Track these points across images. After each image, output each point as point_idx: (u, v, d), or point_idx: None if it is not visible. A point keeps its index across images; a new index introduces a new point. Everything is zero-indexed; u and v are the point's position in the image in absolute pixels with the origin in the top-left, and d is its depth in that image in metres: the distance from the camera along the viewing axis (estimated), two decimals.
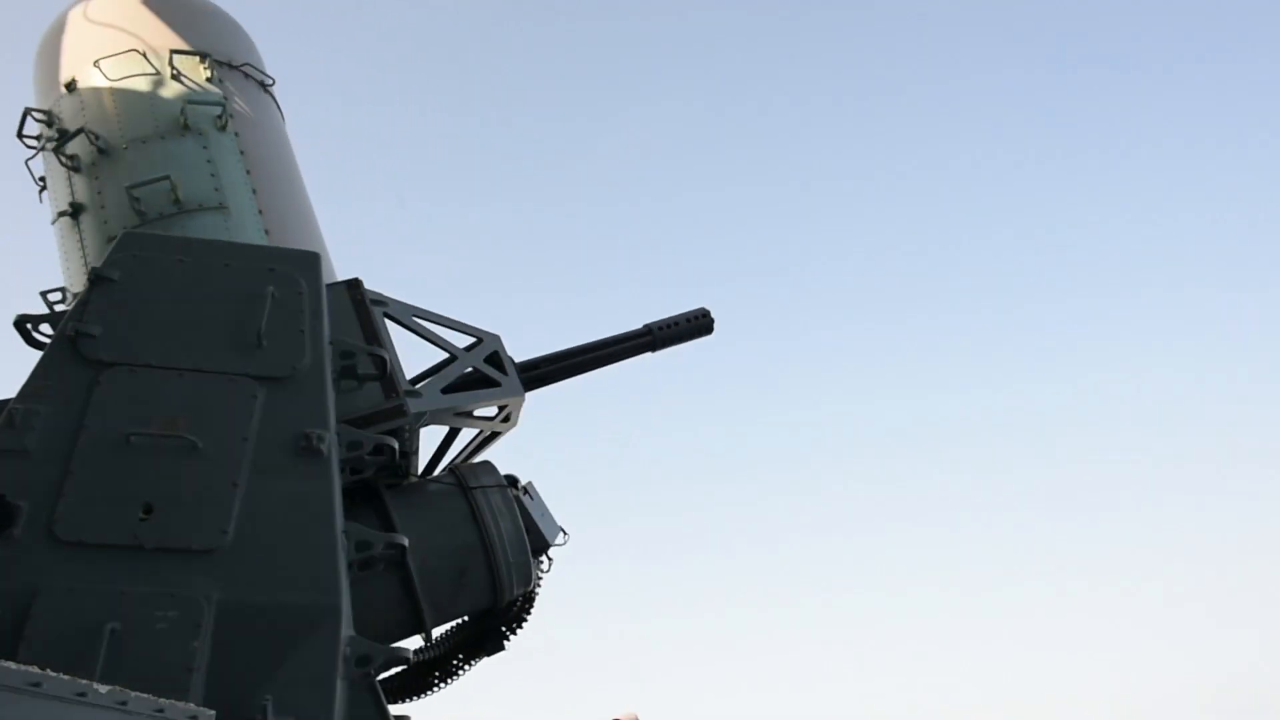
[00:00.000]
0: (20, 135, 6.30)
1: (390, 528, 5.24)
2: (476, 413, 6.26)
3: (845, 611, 26.49)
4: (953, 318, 31.99)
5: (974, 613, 26.06)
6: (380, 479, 5.52)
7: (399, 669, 5.33)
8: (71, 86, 6.22)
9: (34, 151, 6.38)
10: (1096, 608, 25.66)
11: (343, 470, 5.03)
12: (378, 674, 4.30)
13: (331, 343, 4.57)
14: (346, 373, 4.82)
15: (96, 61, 6.16)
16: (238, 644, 3.71)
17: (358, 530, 4.35)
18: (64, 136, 5.91)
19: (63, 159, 5.94)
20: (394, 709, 5.86)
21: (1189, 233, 32.72)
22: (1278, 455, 28.06)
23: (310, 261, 4.69)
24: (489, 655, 5.62)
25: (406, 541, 4.55)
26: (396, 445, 4.67)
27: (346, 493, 5.52)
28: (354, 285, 5.45)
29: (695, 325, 6.92)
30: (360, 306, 5.37)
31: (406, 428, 5.15)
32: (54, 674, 2.42)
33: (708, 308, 7.05)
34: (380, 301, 5.56)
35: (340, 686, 3.90)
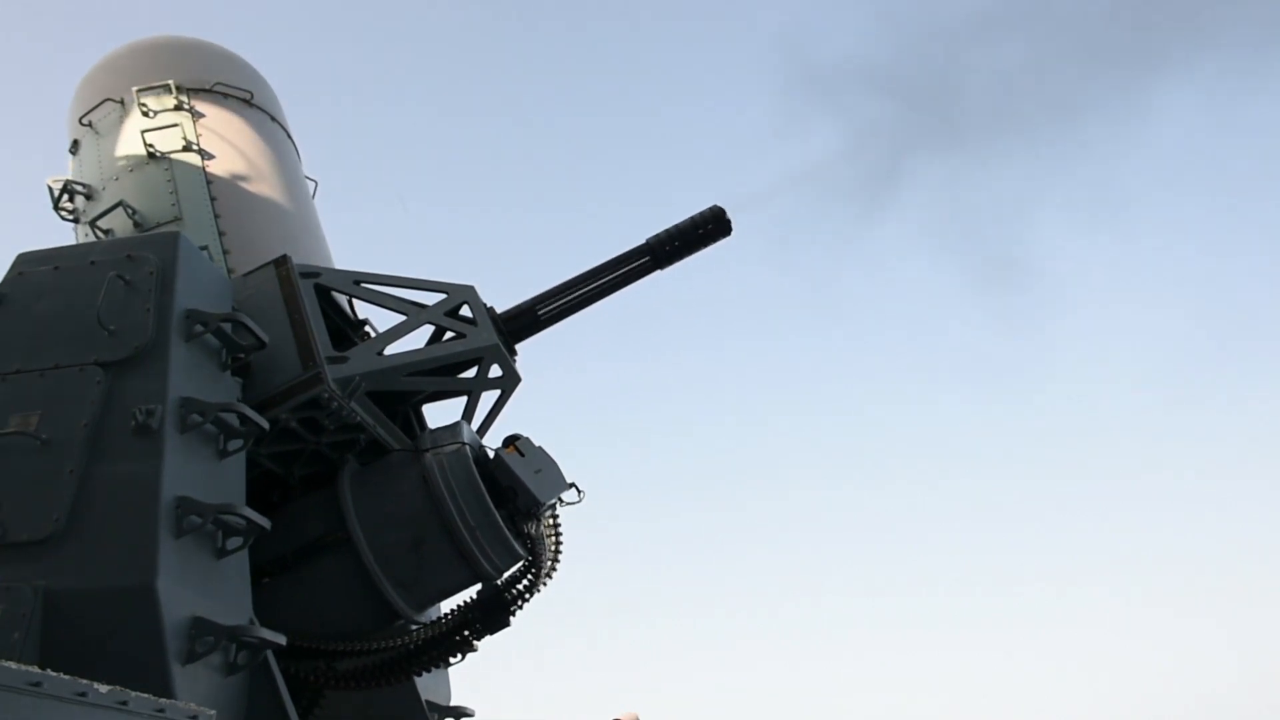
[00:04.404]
0: (57, 209, 6.77)
1: (338, 508, 4.89)
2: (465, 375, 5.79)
3: (848, 616, 25.81)
4: (955, 318, 29.25)
5: (978, 619, 25.26)
6: (338, 454, 5.20)
7: (396, 651, 4.93)
8: (74, 149, 6.65)
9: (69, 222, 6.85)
10: (1100, 616, 24.65)
11: (257, 451, 4.77)
12: (242, 656, 3.93)
13: (188, 315, 4.30)
14: (233, 347, 4.53)
15: (83, 120, 6.52)
16: (66, 632, 3.52)
17: (223, 505, 4.00)
18: (58, 196, 6.28)
19: (63, 215, 6.32)
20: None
21: (1193, 234, 28.83)
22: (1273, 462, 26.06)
23: (166, 241, 4.47)
24: (492, 632, 5.03)
25: (265, 521, 4.13)
26: (258, 418, 4.29)
27: (315, 477, 5.28)
28: (280, 261, 5.21)
29: (704, 228, 5.97)
30: (284, 282, 5.11)
31: (333, 398, 4.77)
32: (54, 674, 2.38)
33: (722, 207, 6.09)
34: (312, 274, 5.27)
35: (178, 668, 3.57)
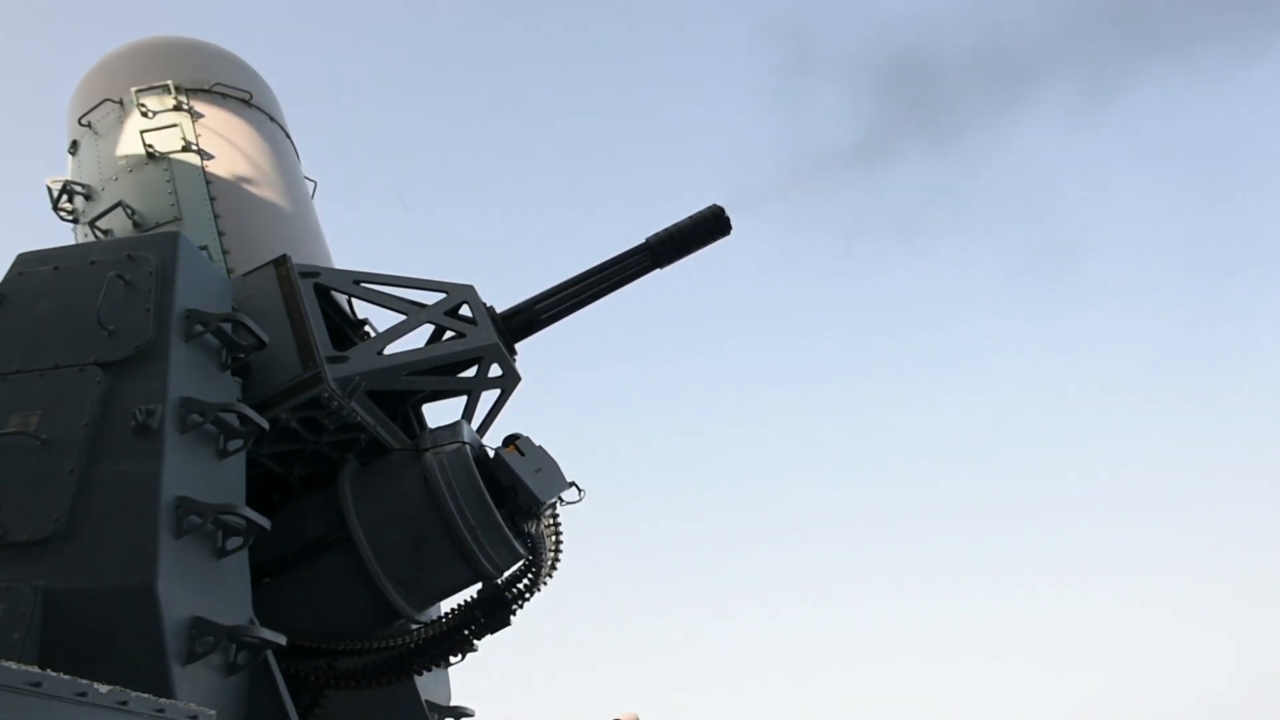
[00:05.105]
0: (56, 209, 6.76)
1: (338, 508, 4.89)
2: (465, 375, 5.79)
3: (848, 615, 26.04)
4: (952, 318, 29.82)
5: (978, 619, 25.47)
6: (338, 453, 5.20)
7: (395, 650, 4.93)
8: (74, 149, 6.64)
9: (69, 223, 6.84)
10: (1100, 616, 24.87)
11: (257, 451, 4.76)
12: (242, 656, 3.93)
13: (188, 315, 4.30)
14: (233, 347, 4.53)
15: (83, 121, 6.52)
16: (66, 632, 3.53)
17: (223, 504, 4.00)
18: (57, 196, 6.28)
19: (62, 215, 6.32)
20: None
21: (1191, 236, 28.14)
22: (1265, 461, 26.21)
23: (166, 241, 4.47)
24: (493, 631, 5.03)
25: (265, 521, 4.13)
26: (258, 418, 4.29)
27: (314, 477, 5.28)
28: (280, 261, 5.21)
29: (703, 227, 5.98)
30: (284, 281, 5.10)
31: (333, 397, 4.76)
32: (54, 674, 2.38)
33: (721, 206, 6.09)
34: (311, 274, 5.27)
35: (178, 668, 3.57)
